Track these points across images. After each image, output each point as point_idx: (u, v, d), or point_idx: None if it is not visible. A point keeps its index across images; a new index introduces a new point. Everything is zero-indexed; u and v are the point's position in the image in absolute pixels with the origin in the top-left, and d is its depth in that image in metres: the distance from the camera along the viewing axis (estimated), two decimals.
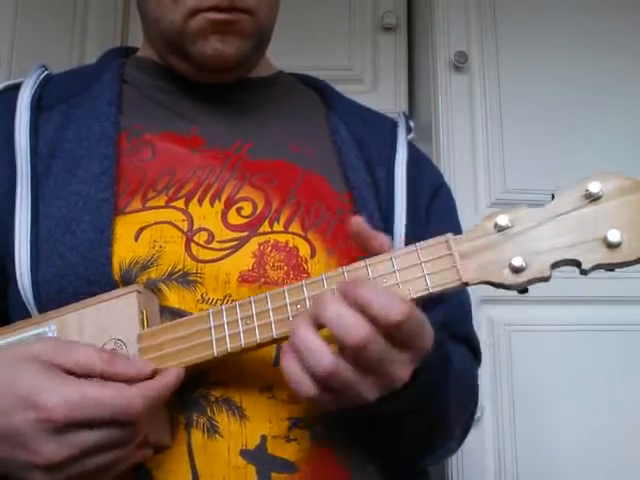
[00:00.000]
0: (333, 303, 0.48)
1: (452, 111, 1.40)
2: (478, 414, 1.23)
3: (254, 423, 0.57)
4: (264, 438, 0.57)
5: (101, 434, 0.48)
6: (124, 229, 0.61)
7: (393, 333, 0.47)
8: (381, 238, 0.53)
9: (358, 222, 0.54)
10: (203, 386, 0.57)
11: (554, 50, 1.44)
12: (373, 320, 0.47)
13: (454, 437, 0.69)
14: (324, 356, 0.47)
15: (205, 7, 0.65)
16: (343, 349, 0.47)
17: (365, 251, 0.54)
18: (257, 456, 0.56)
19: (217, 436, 0.56)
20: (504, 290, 0.51)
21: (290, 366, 0.49)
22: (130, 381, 0.51)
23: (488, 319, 1.29)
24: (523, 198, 1.36)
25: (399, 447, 0.64)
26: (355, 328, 0.47)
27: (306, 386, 0.48)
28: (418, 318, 0.48)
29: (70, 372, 0.50)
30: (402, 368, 0.49)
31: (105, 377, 0.51)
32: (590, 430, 1.26)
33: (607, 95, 1.42)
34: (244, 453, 0.56)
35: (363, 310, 0.47)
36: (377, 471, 0.63)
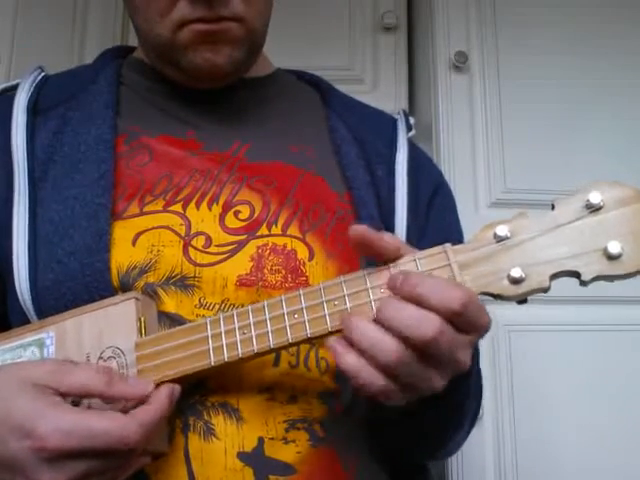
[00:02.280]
0: (391, 302, 0.48)
1: (452, 111, 1.40)
2: (479, 413, 1.23)
3: (251, 425, 0.57)
4: (261, 440, 0.56)
5: (97, 462, 0.48)
6: (122, 234, 0.61)
7: (456, 320, 0.47)
8: (387, 238, 0.52)
9: (357, 229, 0.52)
10: (200, 392, 0.57)
11: (554, 50, 1.44)
12: (434, 311, 0.47)
13: (466, 427, 0.69)
14: (389, 345, 0.47)
15: (191, 19, 0.64)
16: (412, 345, 0.47)
17: (374, 255, 0.53)
18: (254, 458, 0.56)
19: (213, 439, 0.56)
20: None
21: (352, 362, 0.48)
22: (129, 402, 0.51)
23: None
24: (523, 198, 1.37)
25: (416, 440, 0.64)
26: (425, 322, 0.46)
27: (374, 378, 0.47)
28: (476, 301, 0.48)
29: (68, 395, 0.50)
30: (465, 352, 0.49)
31: (104, 398, 0.51)
32: (590, 430, 1.26)
33: (607, 95, 1.42)
34: (241, 455, 0.56)
35: (421, 304, 0.47)
36: (381, 471, 0.63)
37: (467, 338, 0.49)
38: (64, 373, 0.50)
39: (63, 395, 0.49)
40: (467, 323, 0.48)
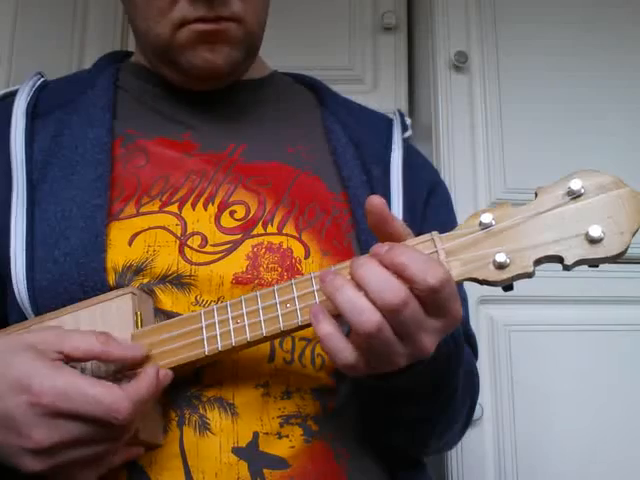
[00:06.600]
0: (371, 264, 0.48)
1: (452, 111, 1.40)
2: (478, 414, 1.23)
3: (246, 420, 0.58)
4: (256, 435, 0.57)
5: (89, 430, 0.49)
6: (118, 235, 0.62)
7: (428, 298, 0.48)
8: (397, 224, 0.53)
9: (375, 201, 0.52)
10: (197, 386, 0.58)
11: (554, 50, 1.44)
12: (410, 282, 0.47)
13: (457, 426, 0.70)
14: (372, 314, 0.47)
15: (191, 19, 0.64)
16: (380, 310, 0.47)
17: (379, 234, 0.53)
18: (249, 453, 0.57)
19: (208, 433, 0.57)
20: (494, 288, 0.52)
21: (326, 330, 0.49)
22: (125, 363, 0.53)
23: (488, 319, 1.28)
24: (523, 198, 1.35)
25: (405, 434, 0.64)
26: (393, 289, 0.47)
27: (348, 352, 0.48)
28: (453, 286, 0.49)
29: (68, 357, 0.51)
30: (431, 337, 0.49)
31: (102, 359, 0.52)
32: (590, 430, 1.26)
33: (607, 94, 1.42)
34: (236, 450, 0.57)
35: (399, 273, 0.47)
36: (375, 464, 0.64)
37: (435, 323, 0.49)
38: (65, 337, 0.52)
39: (65, 356, 0.51)
40: (439, 304, 0.48)
